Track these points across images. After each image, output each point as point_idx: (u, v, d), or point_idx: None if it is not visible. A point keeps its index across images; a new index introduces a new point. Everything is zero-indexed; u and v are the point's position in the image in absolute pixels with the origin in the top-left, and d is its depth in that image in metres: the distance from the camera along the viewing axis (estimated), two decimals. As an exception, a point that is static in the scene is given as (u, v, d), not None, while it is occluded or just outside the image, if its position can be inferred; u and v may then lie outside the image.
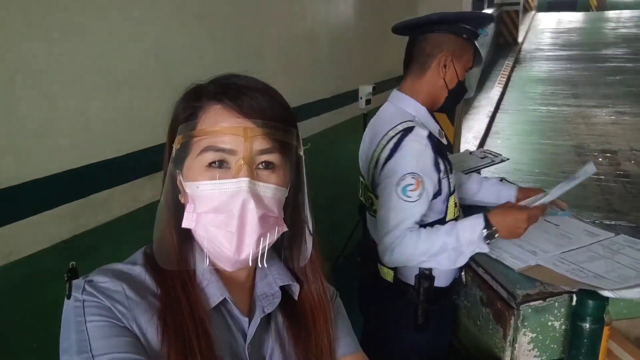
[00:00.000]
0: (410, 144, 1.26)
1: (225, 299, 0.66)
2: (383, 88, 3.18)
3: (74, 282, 0.62)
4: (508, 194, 1.61)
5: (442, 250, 1.24)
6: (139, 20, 1.53)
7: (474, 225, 1.24)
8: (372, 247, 1.48)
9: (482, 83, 8.92)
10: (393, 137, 1.30)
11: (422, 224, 1.32)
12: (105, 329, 0.58)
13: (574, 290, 1.18)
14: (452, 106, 1.46)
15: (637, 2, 22.43)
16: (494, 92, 8.39)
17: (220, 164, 0.62)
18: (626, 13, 18.59)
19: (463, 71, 1.38)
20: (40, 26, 1.25)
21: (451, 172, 1.37)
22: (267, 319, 0.73)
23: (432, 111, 1.43)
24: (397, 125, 1.31)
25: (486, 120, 6.83)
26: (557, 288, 1.21)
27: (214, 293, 0.66)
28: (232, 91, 0.63)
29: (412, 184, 1.24)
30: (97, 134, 1.44)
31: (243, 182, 0.60)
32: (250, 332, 0.69)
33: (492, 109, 7.38)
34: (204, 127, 0.63)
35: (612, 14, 19.46)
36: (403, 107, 1.38)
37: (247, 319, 0.69)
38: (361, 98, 2.86)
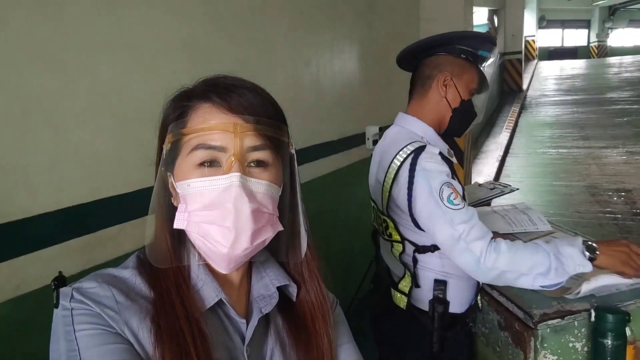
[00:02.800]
0: (427, 163, 1.23)
1: (221, 300, 0.65)
2: (390, 131, 3.22)
3: (62, 290, 0.60)
4: None
5: (543, 260, 1.11)
6: (150, 60, 1.61)
7: (572, 239, 1.16)
8: (386, 273, 1.46)
9: (489, 129, 9.00)
10: (405, 158, 1.25)
11: (429, 247, 1.30)
12: (95, 338, 0.57)
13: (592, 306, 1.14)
14: (460, 128, 1.43)
15: (637, 48, 22.92)
16: (502, 137, 8.44)
17: (212, 163, 0.61)
18: (628, 58, 18.88)
19: (466, 91, 1.37)
20: (53, 64, 1.32)
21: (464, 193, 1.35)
22: (266, 321, 0.71)
23: (440, 133, 1.41)
24: (406, 146, 1.27)
25: (496, 164, 6.83)
26: (574, 306, 1.17)
27: (209, 294, 0.65)
28: (221, 89, 0.64)
29: (452, 192, 1.19)
30: (108, 169, 1.47)
31: (234, 177, 0.59)
32: (249, 333, 0.67)
33: (501, 153, 7.39)
34: (194, 125, 0.63)
35: (613, 59, 19.79)
36: (410, 128, 1.37)
37: (244, 321, 0.68)
38: (368, 139, 2.91)
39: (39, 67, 1.28)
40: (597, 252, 1.12)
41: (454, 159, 1.38)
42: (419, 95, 1.40)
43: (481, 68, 1.38)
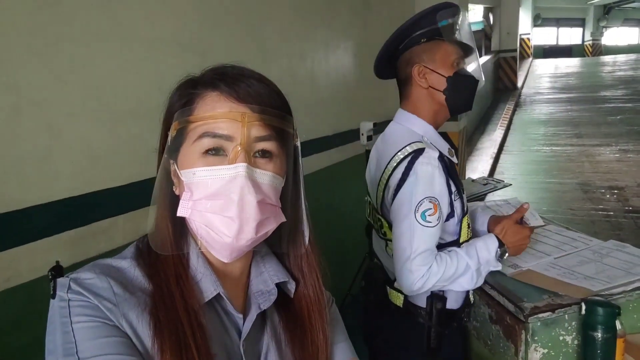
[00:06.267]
0: (423, 167, 1.22)
1: (219, 294, 0.64)
2: (384, 128, 3.22)
3: (59, 280, 0.59)
4: (482, 220, 1.55)
5: (466, 271, 1.24)
6: (143, 54, 1.60)
7: (489, 245, 1.26)
8: (379, 269, 1.45)
9: (484, 126, 9.03)
10: (403, 159, 1.25)
11: (437, 247, 1.30)
12: (92, 330, 0.56)
13: (584, 298, 1.15)
14: (464, 102, 1.36)
15: (631, 47, 23.05)
16: (497, 134, 8.46)
17: (217, 151, 0.61)
18: (621, 57, 19.03)
19: (447, 67, 1.30)
20: (45, 56, 1.31)
21: (463, 193, 1.35)
22: (263, 317, 0.71)
23: (439, 126, 1.39)
24: (405, 147, 1.26)
25: (490, 162, 6.86)
26: (565, 299, 1.18)
27: (208, 287, 0.64)
28: (229, 78, 0.63)
29: (431, 208, 1.20)
30: (100, 163, 1.47)
31: (240, 167, 0.59)
32: (246, 328, 0.67)
33: (495, 151, 7.41)
34: (201, 113, 0.62)
35: (607, 58, 19.92)
36: (410, 126, 1.34)
37: (241, 316, 0.67)
38: (362, 134, 2.90)
39: (31, 60, 1.27)
40: (507, 254, 1.28)
41: (454, 159, 1.36)
42: (406, 97, 1.37)
43: (451, 35, 1.31)
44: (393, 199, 1.27)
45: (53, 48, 1.32)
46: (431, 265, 1.20)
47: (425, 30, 1.30)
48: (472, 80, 1.36)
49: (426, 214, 1.21)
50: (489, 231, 1.50)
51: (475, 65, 1.39)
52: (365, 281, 1.56)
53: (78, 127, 1.40)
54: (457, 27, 1.32)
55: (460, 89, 1.34)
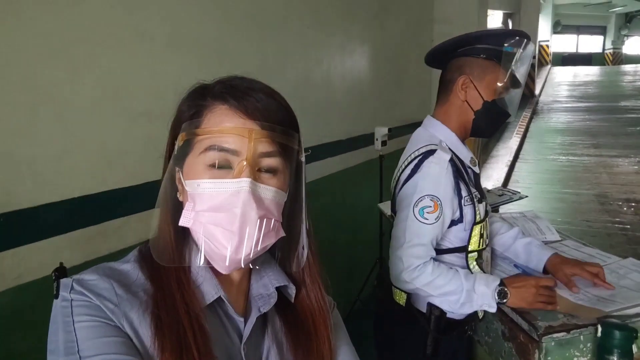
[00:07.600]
0: (430, 166, 1.25)
1: (220, 297, 0.65)
2: (398, 133, 3.20)
3: (62, 280, 0.61)
4: (538, 257, 1.44)
5: (456, 291, 1.23)
6: (160, 55, 1.60)
7: (490, 280, 1.25)
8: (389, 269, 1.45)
9: (500, 133, 8.93)
10: (414, 159, 1.29)
11: (443, 250, 1.30)
12: (94, 330, 0.57)
13: (599, 318, 1.12)
14: (486, 130, 1.38)
15: (653, 56, 22.68)
16: (513, 142, 8.38)
17: (223, 165, 0.62)
18: (643, 67, 18.72)
19: (489, 91, 1.30)
20: (63, 56, 1.31)
21: (480, 202, 1.34)
22: (264, 320, 0.72)
23: (466, 138, 1.39)
24: (420, 148, 1.30)
25: (505, 169, 6.79)
26: (580, 320, 1.15)
27: (209, 291, 0.65)
28: (238, 92, 0.64)
29: (430, 206, 1.22)
30: (114, 162, 1.47)
31: (245, 182, 0.60)
32: (246, 332, 0.67)
33: (510, 159, 7.34)
34: (209, 126, 0.63)
35: (628, 67, 19.63)
36: (432, 131, 1.36)
37: (242, 319, 0.68)
38: (377, 140, 2.88)
39: (48, 59, 1.28)
40: (506, 299, 1.23)
41: (476, 168, 1.36)
42: (442, 99, 1.38)
43: (509, 65, 1.29)
44: (399, 194, 1.32)
45: (70, 48, 1.33)
46: (426, 262, 1.23)
47: (489, 47, 1.29)
48: (504, 113, 1.35)
49: (425, 210, 1.24)
50: (544, 272, 1.42)
51: (514, 100, 1.37)
52: (377, 281, 1.56)
53: (93, 127, 1.40)
54: (518, 59, 1.29)
55: (491, 117, 1.35)
